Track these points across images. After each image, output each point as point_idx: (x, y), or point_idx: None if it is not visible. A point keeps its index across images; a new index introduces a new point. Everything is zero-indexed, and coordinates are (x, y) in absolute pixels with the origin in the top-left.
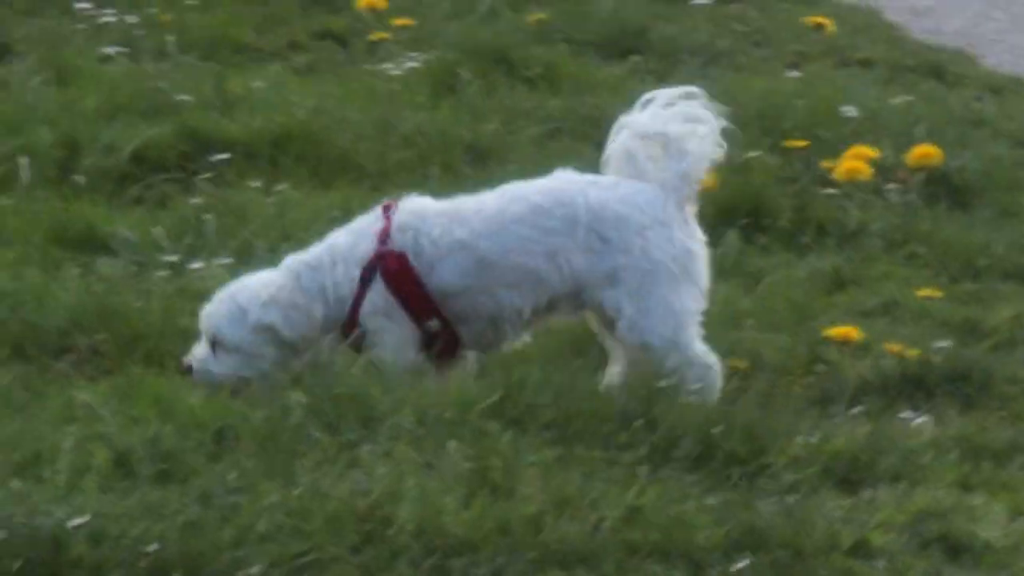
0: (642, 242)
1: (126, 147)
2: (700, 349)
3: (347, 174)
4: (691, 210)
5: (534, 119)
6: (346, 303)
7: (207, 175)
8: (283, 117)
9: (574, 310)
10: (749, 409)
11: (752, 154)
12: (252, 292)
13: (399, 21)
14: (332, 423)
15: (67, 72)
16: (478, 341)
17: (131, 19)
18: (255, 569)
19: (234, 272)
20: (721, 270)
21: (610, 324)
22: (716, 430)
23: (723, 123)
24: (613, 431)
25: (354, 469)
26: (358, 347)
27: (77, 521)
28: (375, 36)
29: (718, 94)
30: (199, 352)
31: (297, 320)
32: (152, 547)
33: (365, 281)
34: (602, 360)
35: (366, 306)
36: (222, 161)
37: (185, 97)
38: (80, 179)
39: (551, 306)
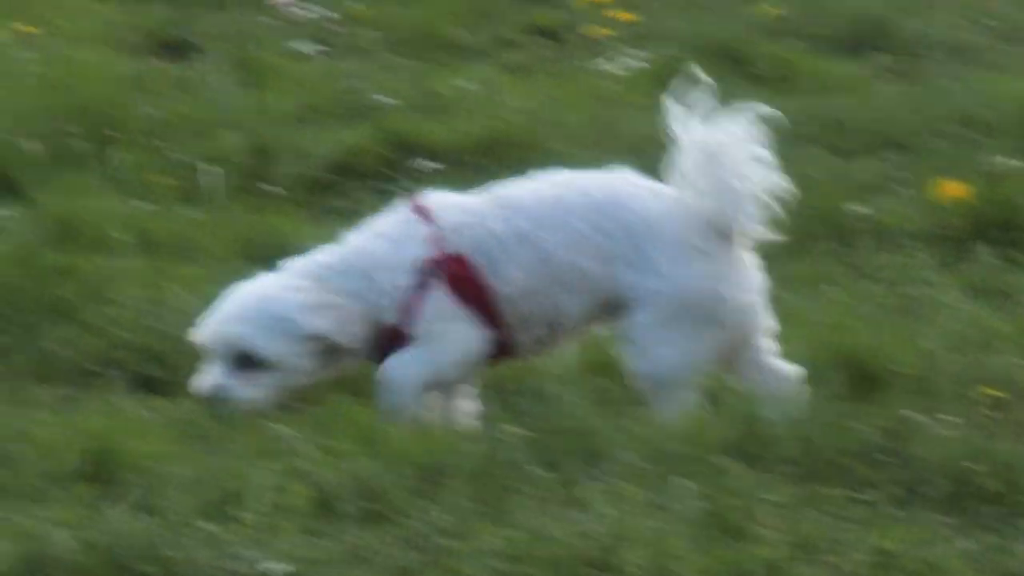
0: (676, 268)
1: (322, 153)
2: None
3: None
4: (746, 244)
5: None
6: (388, 312)
7: (410, 183)
8: (493, 120)
9: (609, 321)
10: (1006, 442)
11: (1005, 161)
12: (283, 300)
13: (621, 15)
14: (552, 459)
15: (258, 71)
16: (532, 347)
17: (329, 13)
18: None
19: None
20: (972, 287)
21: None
22: (970, 466)
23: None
24: (858, 468)
25: (576, 509)
26: (382, 357)
27: (274, 566)
28: (594, 32)
29: (967, 95)
30: (215, 376)
31: (347, 325)
32: None
33: (423, 287)
34: (840, 390)
35: (428, 313)
36: (427, 168)
37: (387, 99)
38: (272, 188)
39: (594, 314)
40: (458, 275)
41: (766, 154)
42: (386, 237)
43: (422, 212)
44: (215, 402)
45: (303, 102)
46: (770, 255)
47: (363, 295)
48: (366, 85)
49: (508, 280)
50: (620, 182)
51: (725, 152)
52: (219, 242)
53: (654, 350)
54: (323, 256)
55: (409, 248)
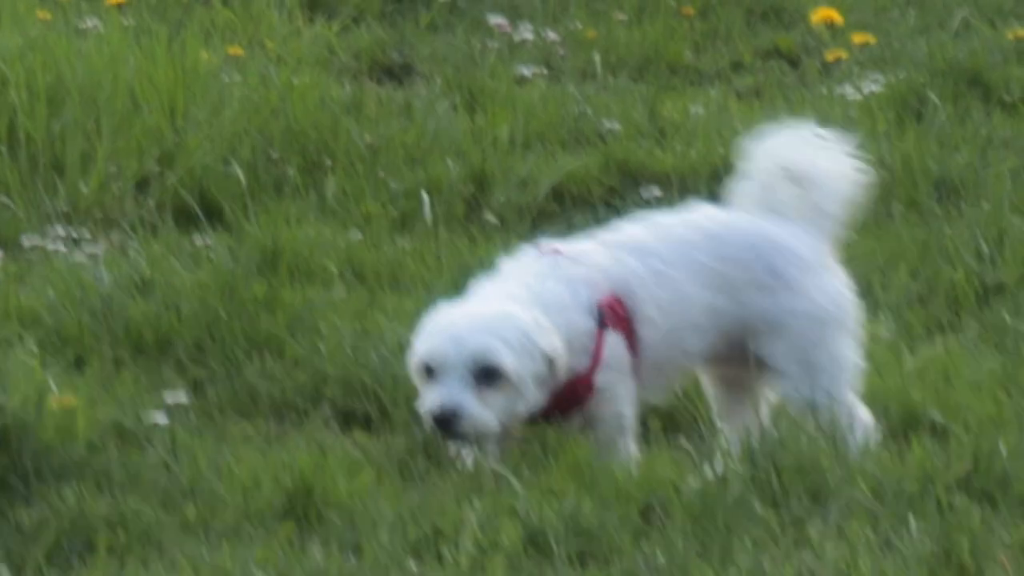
0: (812, 283)
1: (544, 181)
2: (860, 407)
3: None
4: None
5: (1013, 149)
6: (579, 355)
7: (636, 212)
8: (724, 147)
9: (729, 360)
10: None
11: None
12: (522, 318)
13: (859, 37)
14: (777, 497)
15: (478, 96)
16: (652, 391)
17: (551, 35)
18: None
19: None
20: None
21: (769, 378)
22: None
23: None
24: None
25: (802, 549)
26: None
27: None
28: (831, 55)
29: None
30: (451, 391)
31: (566, 354)
32: None
33: (601, 332)
34: None
35: (608, 358)
36: (655, 196)
37: (613, 124)
38: (491, 218)
39: (713, 352)
40: (621, 318)
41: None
42: (551, 277)
43: (558, 254)
44: (448, 420)
45: (525, 128)
46: (1011, 288)
47: (562, 332)
48: (591, 110)
49: (649, 322)
50: (726, 214)
51: (814, 168)
52: (431, 272)
53: (808, 379)
54: (513, 287)
55: (581, 290)
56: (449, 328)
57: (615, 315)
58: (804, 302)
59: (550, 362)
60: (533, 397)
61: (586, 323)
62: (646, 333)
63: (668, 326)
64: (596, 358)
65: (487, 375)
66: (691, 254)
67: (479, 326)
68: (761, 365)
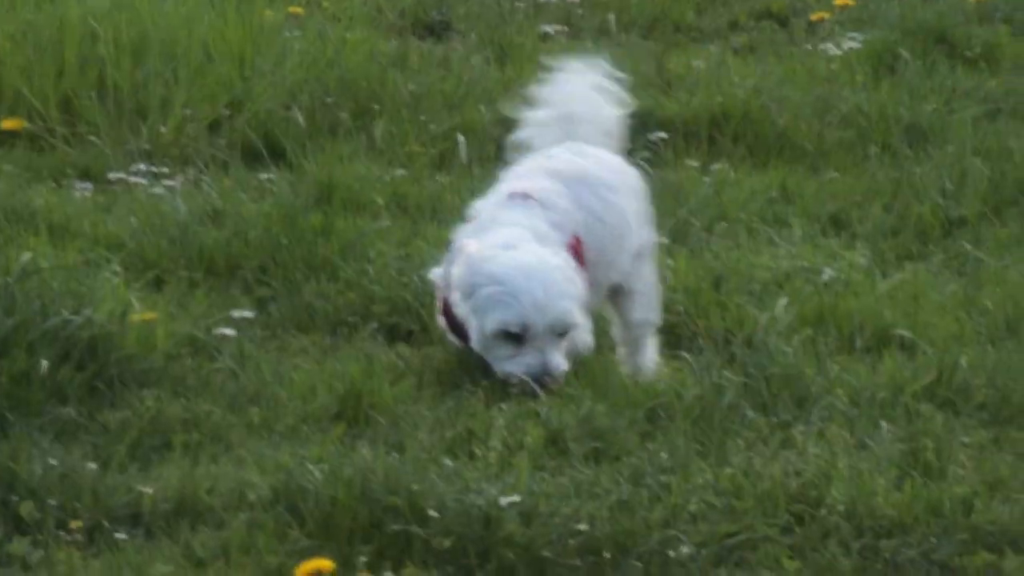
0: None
1: None
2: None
3: (784, 154)
4: None
5: (974, 99)
6: None
7: (645, 153)
8: (722, 97)
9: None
10: None
11: None
12: (569, 271)
13: (840, 1)
14: (766, 403)
15: (507, 50)
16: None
17: None
18: (685, 549)
19: (669, 251)
20: None
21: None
22: None
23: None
24: None
25: (787, 450)
26: None
27: (509, 499)
28: (816, 16)
29: None
30: (549, 358)
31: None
32: (583, 526)
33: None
34: None
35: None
36: (661, 140)
37: (625, 75)
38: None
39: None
40: (581, 258)
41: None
42: (540, 223)
43: (527, 197)
44: (554, 381)
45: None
46: (971, 221)
47: None
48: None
49: (591, 262)
50: (597, 151)
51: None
52: (467, 205)
53: (652, 296)
54: (529, 234)
55: (557, 234)
56: (528, 295)
57: (578, 256)
58: (651, 234)
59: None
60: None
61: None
62: (589, 272)
63: (602, 263)
64: None
65: (564, 332)
66: (597, 189)
67: (554, 291)
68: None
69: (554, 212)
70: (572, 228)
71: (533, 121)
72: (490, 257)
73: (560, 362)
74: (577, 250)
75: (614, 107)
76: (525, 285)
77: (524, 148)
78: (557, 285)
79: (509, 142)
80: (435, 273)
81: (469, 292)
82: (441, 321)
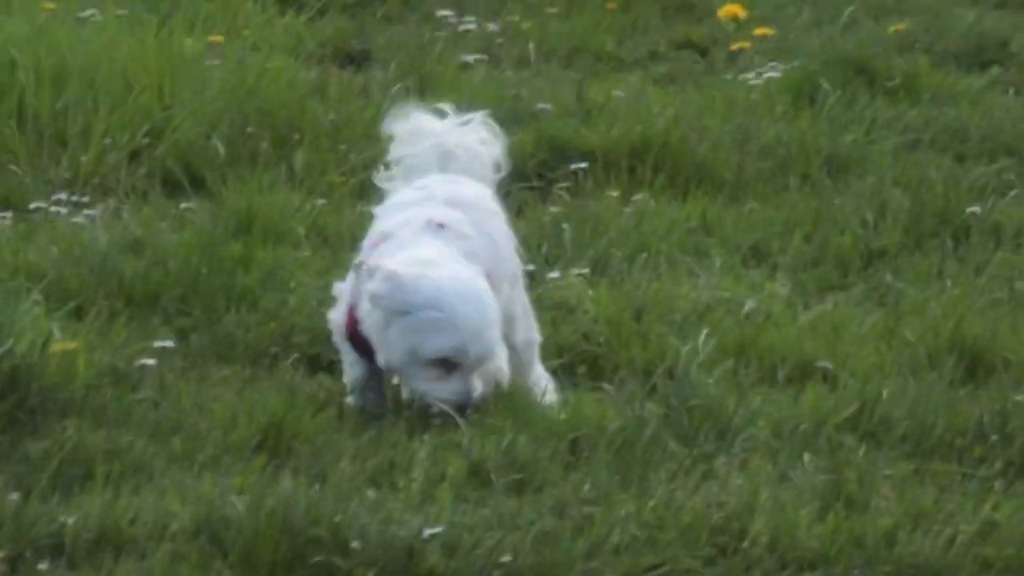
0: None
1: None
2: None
3: (704, 184)
4: None
5: (894, 130)
6: None
7: (565, 184)
8: (642, 126)
9: None
10: None
11: None
12: (492, 300)
13: (760, 31)
14: (688, 434)
15: (427, 80)
16: None
17: (492, 26)
18: None
19: (590, 281)
20: None
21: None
22: None
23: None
24: (968, 445)
25: (709, 481)
26: None
27: (432, 530)
28: (735, 46)
29: None
30: (473, 386)
31: None
32: (506, 558)
33: None
34: (955, 373)
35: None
36: (580, 170)
37: (545, 105)
38: None
39: None
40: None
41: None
42: (458, 250)
43: (441, 227)
44: (474, 410)
45: (468, 108)
46: (892, 252)
47: None
48: (526, 93)
49: (499, 279)
50: (467, 181)
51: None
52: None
53: (530, 317)
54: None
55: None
56: (466, 322)
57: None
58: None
59: None
60: None
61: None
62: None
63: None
64: None
65: (487, 360)
66: (491, 220)
67: (487, 318)
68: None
69: (467, 242)
70: (483, 257)
71: (404, 154)
72: (421, 276)
73: (480, 389)
74: (491, 280)
75: (489, 144)
76: (463, 311)
77: (394, 180)
78: (488, 311)
79: (378, 176)
80: (339, 288)
81: (400, 312)
82: (340, 335)
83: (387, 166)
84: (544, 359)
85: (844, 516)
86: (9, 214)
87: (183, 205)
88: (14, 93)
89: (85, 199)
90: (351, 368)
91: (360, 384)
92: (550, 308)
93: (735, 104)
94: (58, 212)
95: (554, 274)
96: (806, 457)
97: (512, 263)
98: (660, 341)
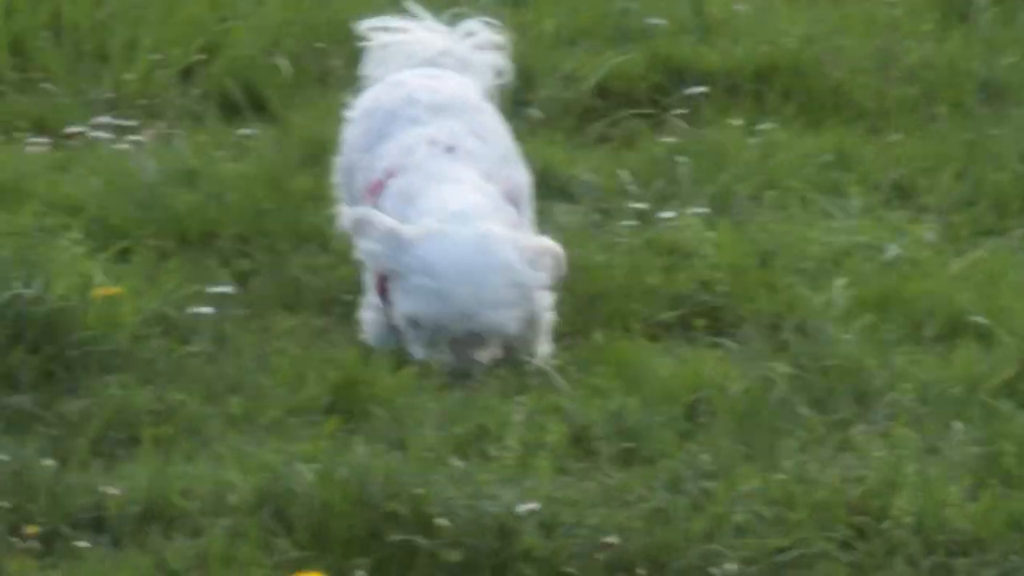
0: None
1: (589, 77)
2: None
3: (840, 112)
4: None
5: None
6: None
7: (681, 110)
8: (769, 46)
9: None
10: None
11: None
12: (516, 266)
13: None
14: (821, 399)
15: None
16: None
17: None
18: (730, 565)
19: (710, 222)
20: None
21: None
22: None
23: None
24: None
25: (845, 452)
26: None
27: (527, 507)
28: None
29: None
30: (465, 360)
31: None
32: (612, 538)
33: None
34: None
35: None
36: (699, 95)
37: (658, 21)
38: (535, 113)
39: None
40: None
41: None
42: (480, 179)
43: (451, 149)
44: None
45: (570, 24)
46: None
47: None
48: (636, 6)
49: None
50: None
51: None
52: None
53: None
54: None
55: (497, 201)
56: (456, 300)
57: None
58: None
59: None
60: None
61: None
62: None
63: None
64: None
65: (493, 339)
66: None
67: (489, 298)
68: None
69: (481, 161)
70: (496, 173)
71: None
72: (426, 236)
73: (477, 364)
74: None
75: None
76: (456, 285)
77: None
78: (494, 291)
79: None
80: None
81: (395, 272)
82: (371, 282)
83: (361, 86)
84: (656, 311)
85: (1000, 494)
86: (45, 140)
87: (242, 131)
88: (50, 1)
89: (130, 123)
90: (369, 309)
91: (378, 328)
92: (663, 253)
93: (875, 21)
94: (100, 137)
95: (668, 214)
96: (956, 426)
97: (521, 171)
98: (789, 291)
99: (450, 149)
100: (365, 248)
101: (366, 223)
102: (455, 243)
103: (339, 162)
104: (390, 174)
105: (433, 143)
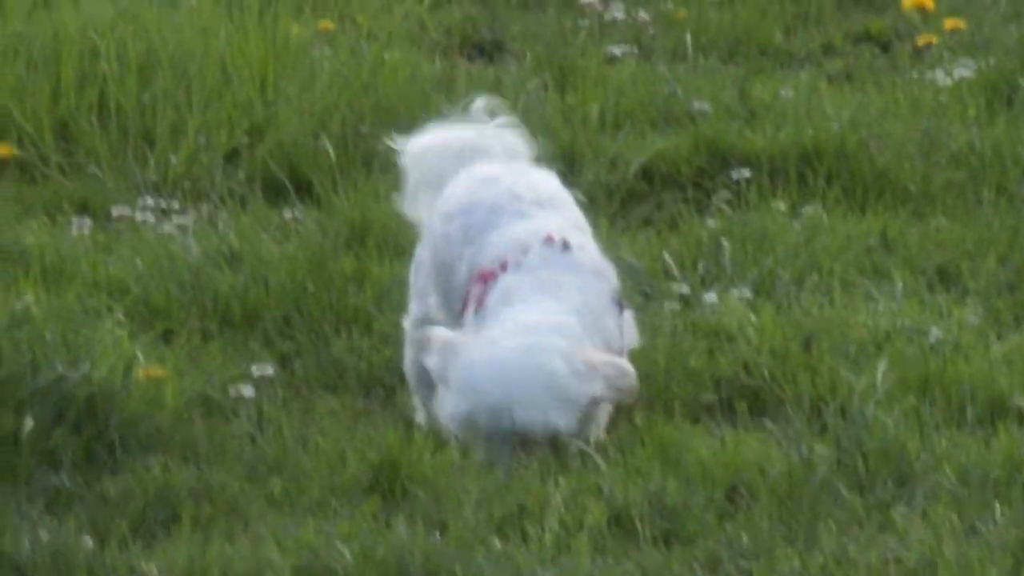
0: None
1: (634, 161)
2: None
3: (885, 196)
4: None
5: None
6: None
7: (725, 194)
8: (814, 130)
9: None
10: None
11: None
12: (562, 377)
13: (950, 23)
14: (862, 481)
15: (569, 74)
16: None
17: (642, 15)
18: None
19: (752, 305)
20: None
21: None
22: None
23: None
24: None
25: (886, 534)
26: None
27: None
28: (923, 40)
29: None
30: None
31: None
32: None
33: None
34: None
35: (628, 339)
36: (743, 178)
37: (703, 105)
38: (580, 196)
39: None
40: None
41: None
42: (577, 277)
43: (566, 247)
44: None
45: (615, 107)
46: None
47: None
48: (681, 91)
49: None
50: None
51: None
52: None
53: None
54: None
55: (603, 283)
56: (482, 395)
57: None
58: None
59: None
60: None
61: (615, 318)
62: None
63: None
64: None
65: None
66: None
67: (515, 399)
68: None
69: (584, 254)
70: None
71: (425, 172)
72: (470, 345)
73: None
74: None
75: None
76: (487, 385)
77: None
78: (528, 392)
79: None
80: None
81: (447, 377)
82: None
83: (407, 197)
84: (698, 392)
85: None
86: (89, 221)
87: (287, 213)
88: (96, 84)
89: (175, 205)
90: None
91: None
92: (706, 335)
93: (921, 106)
94: (144, 220)
95: (711, 296)
96: (997, 508)
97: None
98: (832, 374)
99: (566, 247)
100: (428, 364)
101: (426, 339)
102: (501, 348)
103: (424, 257)
104: (503, 266)
105: (548, 241)
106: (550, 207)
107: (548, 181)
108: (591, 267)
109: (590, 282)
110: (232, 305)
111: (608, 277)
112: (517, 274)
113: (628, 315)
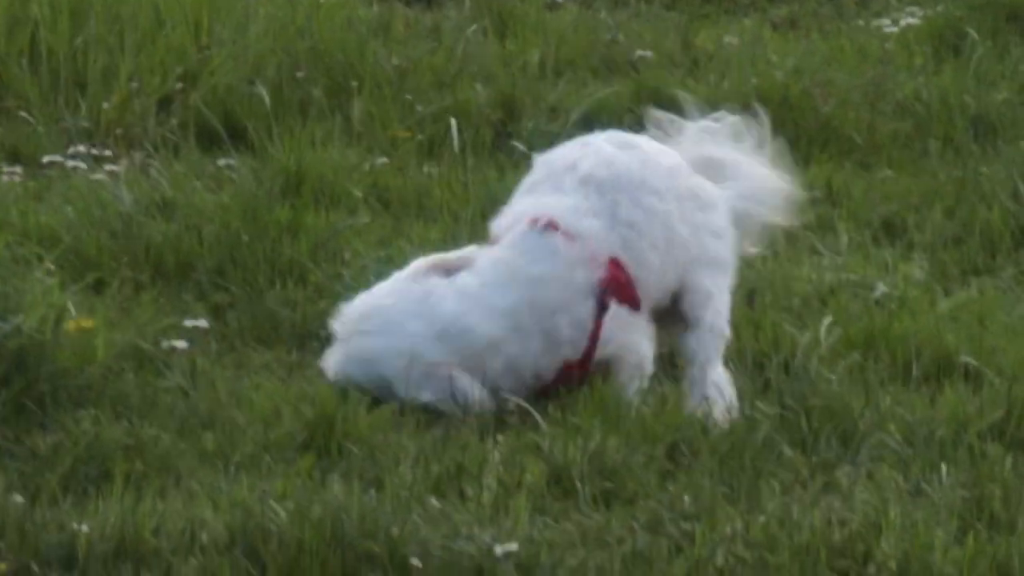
0: None
1: (574, 109)
2: None
3: (830, 147)
4: None
5: None
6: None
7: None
8: (758, 79)
9: None
10: None
11: None
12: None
13: None
14: (805, 440)
15: (508, 20)
16: None
17: None
18: None
19: None
20: None
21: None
22: None
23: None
24: None
25: (829, 494)
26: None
27: (505, 548)
28: None
29: None
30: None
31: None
32: None
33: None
34: None
35: (607, 335)
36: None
37: (645, 53)
38: (519, 145)
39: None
40: (623, 284)
41: None
42: (545, 262)
43: (548, 227)
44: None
45: (555, 55)
46: None
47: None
48: (623, 38)
49: (647, 267)
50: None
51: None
52: (457, 200)
53: (722, 305)
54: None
55: (579, 272)
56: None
57: (617, 283)
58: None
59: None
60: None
61: (585, 308)
62: (646, 278)
63: (662, 264)
64: (593, 340)
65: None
66: (667, 185)
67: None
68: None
69: (580, 243)
70: (606, 253)
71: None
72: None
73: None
74: (618, 276)
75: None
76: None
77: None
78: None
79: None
80: None
81: None
82: None
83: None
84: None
85: (986, 538)
86: (19, 169)
87: (221, 161)
88: (27, 27)
89: (107, 152)
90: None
91: None
92: None
93: (867, 54)
94: (76, 167)
95: None
96: (943, 468)
97: (688, 248)
98: (775, 329)
99: (546, 228)
100: None
101: None
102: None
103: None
104: (495, 239)
105: (534, 221)
106: (590, 186)
107: (636, 161)
108: (573, 256)
109: (559, 273)
110: (165, 255)
111: (595, 262)
112: (491, 249)
113: (615, 311)
